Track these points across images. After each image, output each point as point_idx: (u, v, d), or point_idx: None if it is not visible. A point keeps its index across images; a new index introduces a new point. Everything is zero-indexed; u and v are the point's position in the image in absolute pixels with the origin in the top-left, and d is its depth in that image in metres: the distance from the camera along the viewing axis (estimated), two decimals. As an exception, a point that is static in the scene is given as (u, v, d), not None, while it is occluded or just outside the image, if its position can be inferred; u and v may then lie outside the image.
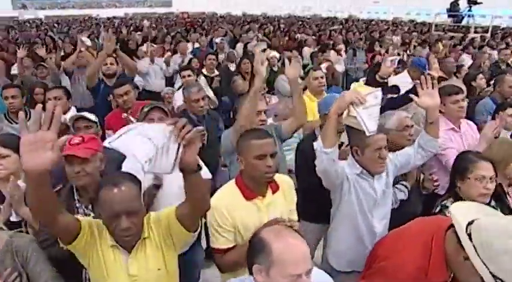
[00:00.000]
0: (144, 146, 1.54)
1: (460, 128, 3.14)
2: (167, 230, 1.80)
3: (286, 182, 2.19)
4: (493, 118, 3.43)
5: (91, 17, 28.24)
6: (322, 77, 4.12)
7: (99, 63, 4.33)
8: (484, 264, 1.38)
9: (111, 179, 1.78)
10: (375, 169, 2.30)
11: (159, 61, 6.67)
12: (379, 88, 2.26)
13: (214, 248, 2.03)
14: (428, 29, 16.03)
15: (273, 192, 2.09)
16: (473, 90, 4.90)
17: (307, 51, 8.66)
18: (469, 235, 1.44)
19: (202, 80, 5.19)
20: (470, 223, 1.47)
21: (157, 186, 2.54)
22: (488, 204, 2.25)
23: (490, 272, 1.36)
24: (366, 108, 2.10)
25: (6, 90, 3.77)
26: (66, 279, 2.07)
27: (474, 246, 1.42)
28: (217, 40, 8.17)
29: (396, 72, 5.29)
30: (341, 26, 16.32)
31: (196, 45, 8.69)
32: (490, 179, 2.15)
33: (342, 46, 8.64)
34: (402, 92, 3.67)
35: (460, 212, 1.53)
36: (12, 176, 2.18)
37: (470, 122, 3.32)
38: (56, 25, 20.18)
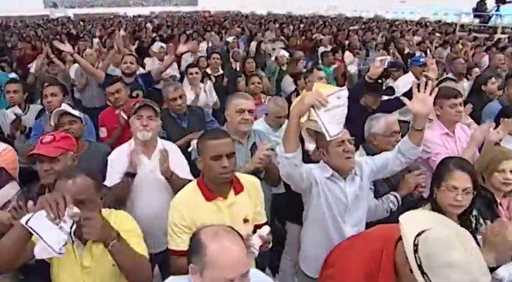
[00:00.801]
0: (53, 232, 1.47)
1: (454, 133, 3.02)
2: None
3: (252, 183, 2.15)
4: (496, 122, 3.30)
5: (117, 15, 28.85)
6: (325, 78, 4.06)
7: (109, 59, 4.41)
8: (427, 276, 1.31)
9: (67, 171, 1.84)
10: (343, 166, 2.22)
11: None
12: (344, 88, 2.14)
13: (170, 250, 2.00)
14: (454, 30, 15.58)
15: (236, 193, 2.06)
16: (483, 94, 4.66)
17: (322, 51, 8.56)
18: (416, 246, 1.38)
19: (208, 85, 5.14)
20: (419, 234, 1.40)
21: (131, 175, 2.56)
22: (469, 213, 2.14)
23: None
24: (327, 110, 1.99)
25: (8, 85, 3.93)
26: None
27: (420, 258, 1.35)
28: (229, 39, 8.15)
29: (394, 77, 5.18)
30: (363, 26, 16.04)
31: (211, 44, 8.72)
32: (464, 190, 2.02)
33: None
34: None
35: (410, 222, 1.46)
36: None
37: (465, 127, 3.20)
38: (81, 23, 20.67)
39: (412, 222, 1.48)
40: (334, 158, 2.21)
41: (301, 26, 15.77)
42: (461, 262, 1.28)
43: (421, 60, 4.95)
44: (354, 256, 1.66)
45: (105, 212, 1.88)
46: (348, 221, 2.27)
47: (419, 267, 1.33)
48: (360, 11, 30.54)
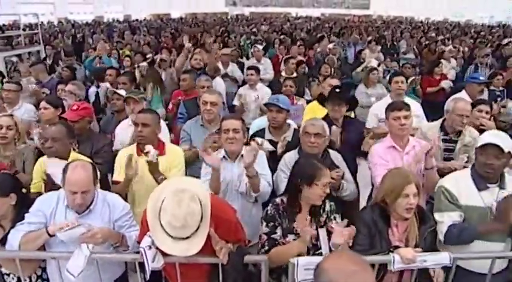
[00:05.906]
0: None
1: (404, 148, 3.03)
2: None
3: (173, 152, 3.00)
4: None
5: (286, 15, 30.67)
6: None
7: (184, 57, 5.72)
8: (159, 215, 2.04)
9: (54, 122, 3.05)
10: (226, 148, 2.83)
11: (266, 61, 7.60)
12: None
13: (112, 180, 2.96)
14: None
15: (156, 155, 2.85)
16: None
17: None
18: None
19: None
20: None
21: None
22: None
23: None
24: None
25: (108, 70, 5.65)
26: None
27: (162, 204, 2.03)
28: (330, 45, 8.45)
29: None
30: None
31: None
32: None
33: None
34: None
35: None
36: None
37: (425, 143, 3.02)
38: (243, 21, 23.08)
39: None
40: (223, 143, 2.83)
41: (447, 36, 14.73)
42: (168, 208, 1.91)
43: (481, 78, 4.60)
44: None
45: (72, 153, 2.90)
46: (235, 198, 2.81)
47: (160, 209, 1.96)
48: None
